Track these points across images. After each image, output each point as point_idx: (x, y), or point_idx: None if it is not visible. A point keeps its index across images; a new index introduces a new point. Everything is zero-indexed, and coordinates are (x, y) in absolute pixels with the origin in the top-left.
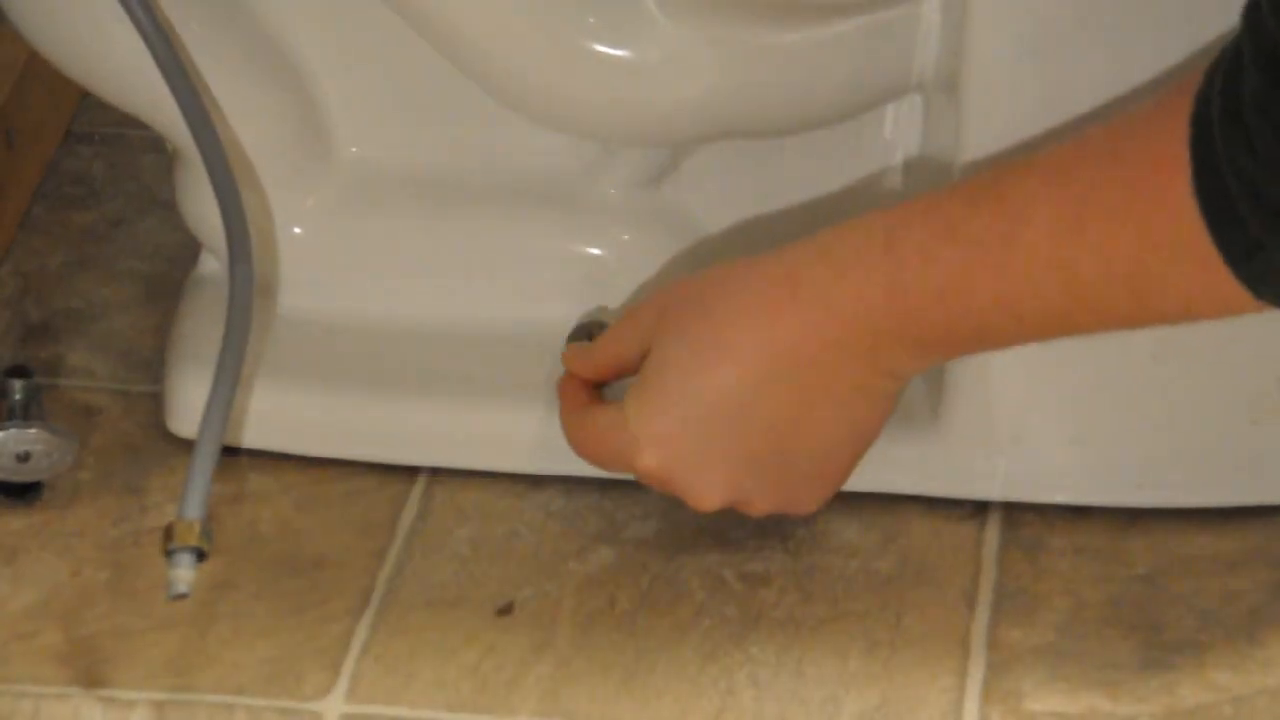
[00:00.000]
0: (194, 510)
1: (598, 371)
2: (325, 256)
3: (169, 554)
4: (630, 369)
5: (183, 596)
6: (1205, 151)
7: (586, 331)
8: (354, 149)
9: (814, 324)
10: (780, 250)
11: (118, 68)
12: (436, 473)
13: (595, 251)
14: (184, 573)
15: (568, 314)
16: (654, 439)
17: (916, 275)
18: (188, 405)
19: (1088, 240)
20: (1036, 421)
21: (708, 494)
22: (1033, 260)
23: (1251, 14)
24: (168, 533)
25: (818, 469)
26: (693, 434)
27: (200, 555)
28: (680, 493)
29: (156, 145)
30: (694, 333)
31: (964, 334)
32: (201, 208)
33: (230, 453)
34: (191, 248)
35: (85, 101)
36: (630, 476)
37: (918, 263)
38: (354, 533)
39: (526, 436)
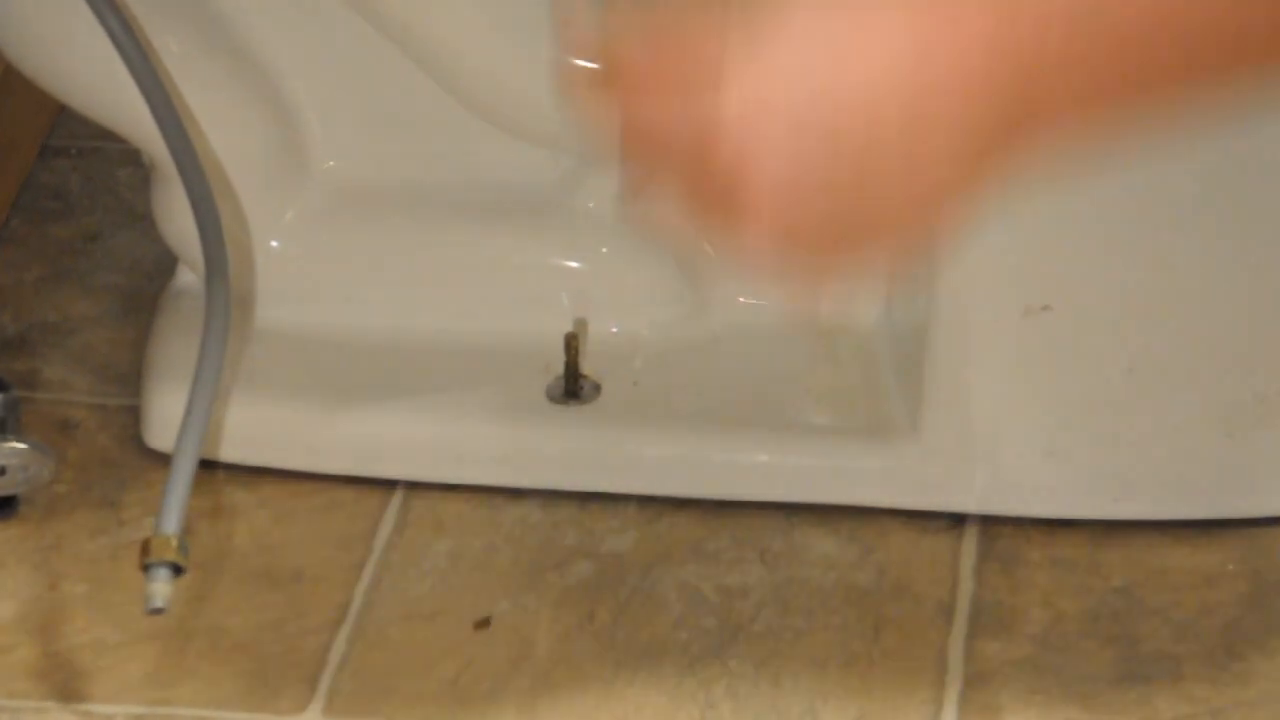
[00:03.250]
0: (171, 525)
1: None
2: (303, 270)
3: (146, 569)
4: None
5: (160, 611)
6: None
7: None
8: (331, 162)
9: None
10: None
11: (94, 82)
12: (414, 486)
13: (573, 264)
14: (161, 587)
15: (546, 327)
16: (746, 79)
17: None
18: (165, 419)
19: None
20: (1013, 435)
21: (773, 166)
22: None
23: None
24: (144, 548)
25: (886, 169)
26: (790, 76)
27: (177, 570)
28: (746, 163)
29: (133, 159)
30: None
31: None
32: (178, 222)
33: (207, 466)
34: (168, 261)
35: (62, 115)
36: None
37: None
38: (331, 546)
39: (504, 449)
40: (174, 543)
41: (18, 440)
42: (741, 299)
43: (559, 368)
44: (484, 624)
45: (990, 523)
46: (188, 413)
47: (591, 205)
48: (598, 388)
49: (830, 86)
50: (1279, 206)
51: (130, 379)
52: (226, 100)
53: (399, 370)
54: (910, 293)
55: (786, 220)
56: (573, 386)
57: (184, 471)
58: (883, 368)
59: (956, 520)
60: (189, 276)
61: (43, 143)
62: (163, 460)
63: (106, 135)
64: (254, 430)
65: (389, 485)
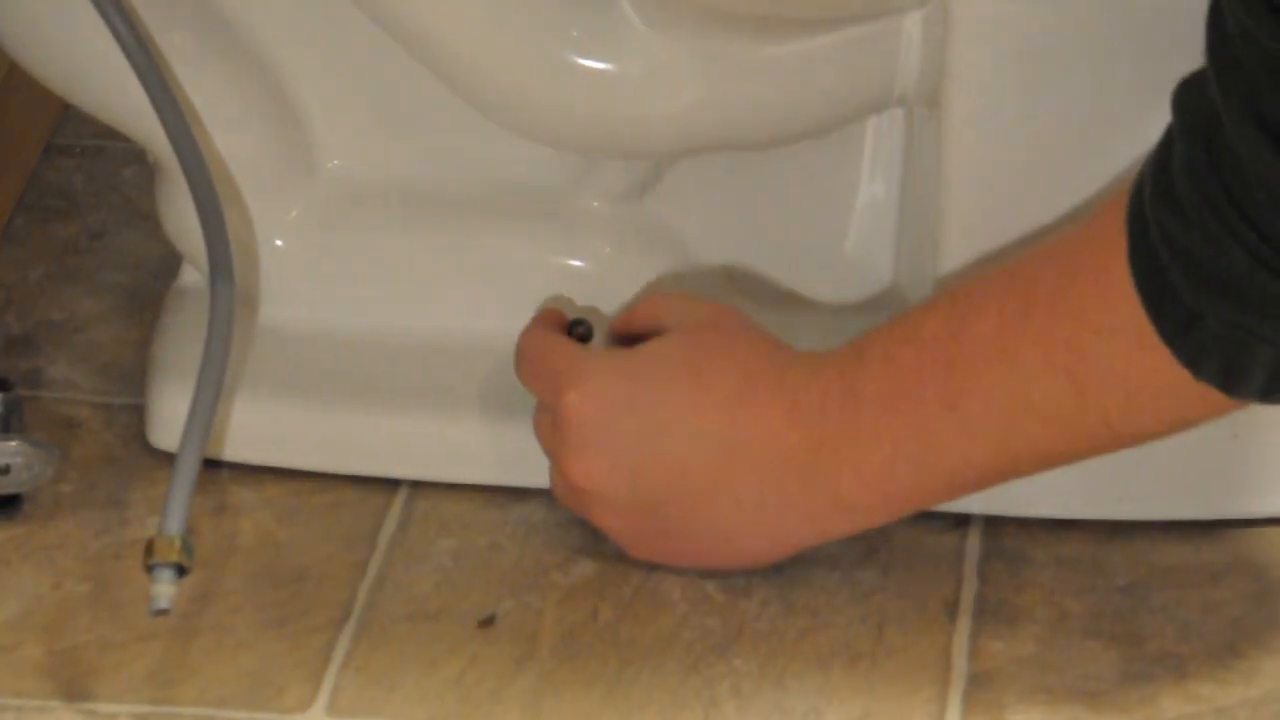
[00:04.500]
0: (175, 526)
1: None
2: (307, 269)
3: (150, 570)
4: (626, 332)
5: (164, 612)
6: (1138, 228)
7: (577, 331)
8: (336, 161)
9: (779, 411)
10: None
11: (99, 80)
12: (418, 485)
13: (577, 264)
14: (165, 588)
15: None
16: (591, 387)
17: (873, 377)
18: (169, 418)
19: (1030, 327)
20: None
21: (586, 465)
22: (978, 353)
23: (1179, 94)
24: (148, 548)
25: (670, 533)
26: (621, 408)
27: (181, 571)
28: (563, 448)
29: (138, 158)
30: (693, 356)
31: (906, 454)
32: (183, 220)
33: (211, 465)
34: (173, 260)
35: (66, 114)
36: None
37: (878, 366)
38: (335, 545)
39: (509, 449)
40: (178, 543)
41: (21, 439)
42: (741, 300)
43: None
44: (488, 622)
45: (994, 521)
46: (192, 412)
47: (595, 205)
48: None
49: (659, 407)
50: None
51: (134, 378)
52: (231, 99)
53: (403, 369)
54: (912, 291)
55: (587, 487)
56: None
57: (188, 471)
58: None
59: (961, 519)
60: (193, 275)
61: (47, 141)
62: (167, 459)
63: (111, 134)
64: (258, 429)
65: (393, 484)
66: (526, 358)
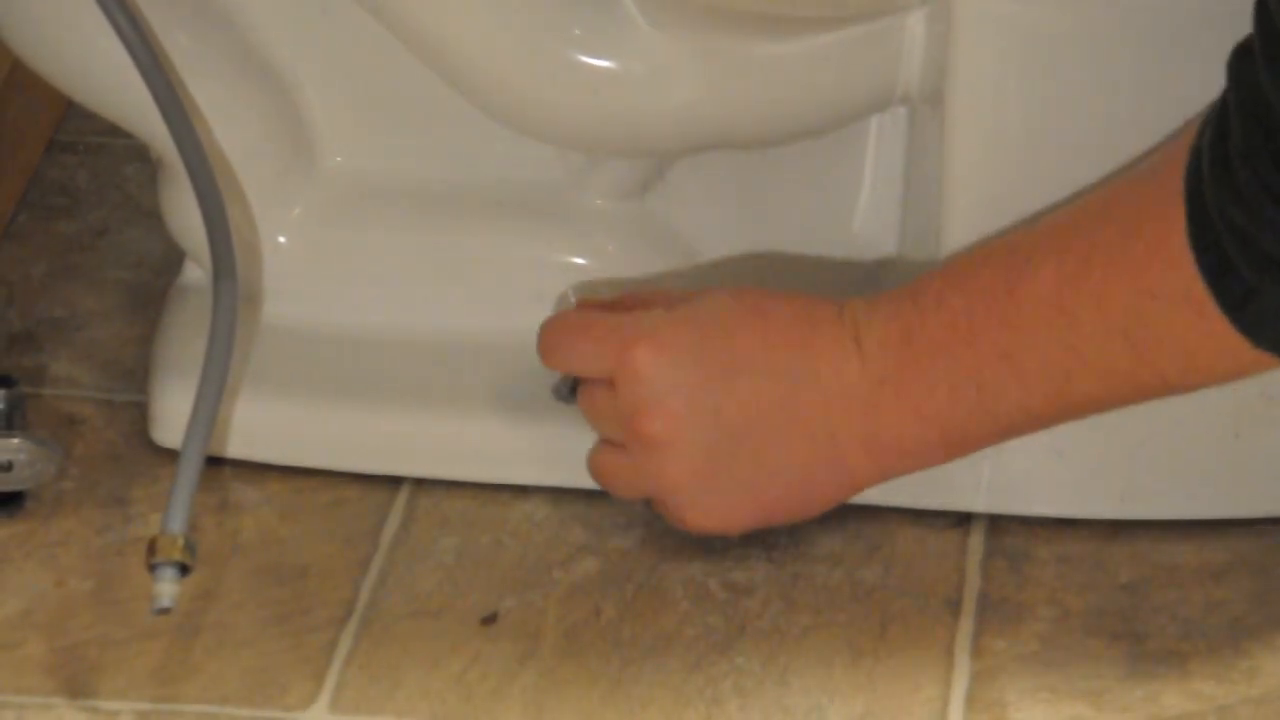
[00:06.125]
0: (177, 524)
1: (625, 300)
2: (310, 266)
3: (152, 569)
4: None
5: (166, 611)
6: (1197, 202)
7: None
8: (339, 159)
9: (845, 344)
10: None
11: (102, 77)
12: (420, 482)
13: (580, 261)
14: (168, 587)
15: None
16: (659, 340)
17: (928, 323)
18: (171, 415)
19: (1088, 288)
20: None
21: (665, 412)
22: (1036, 310)
23: (1235, 64)
24: (151, 547)
25: (746, 479)
26: (692, 354)
27: (183, 570)
28: (636, 405)
29: (141, 155)
30: (750, 299)
31: (964, 397)
32: (185, 217)
33: (214, 462)
34: (175, 257)
35: (70, 111)
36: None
37: (932, 313)
38: (338, 542)
39: (511, 446)
40: (180, 542)
41: (24, 436)
42: None
43: None
44: (490, 620)
45: (997, 519)
46: (195, 409)
47: (598, 203)
48: None
49: (717, 355)
50: None
51: (137, 375)
52: (234, 96)
53: (406, 366)
54: None
55: (655, 438)
56: (578, 383)
57: (190, 470)
58: None
59: (963, 517)
60: (196, 272)
61: (50, 138)
62: (169, 456)
63: (114, 131)
64: (260, 426)
65: (395, 482)
66: (572, 333)
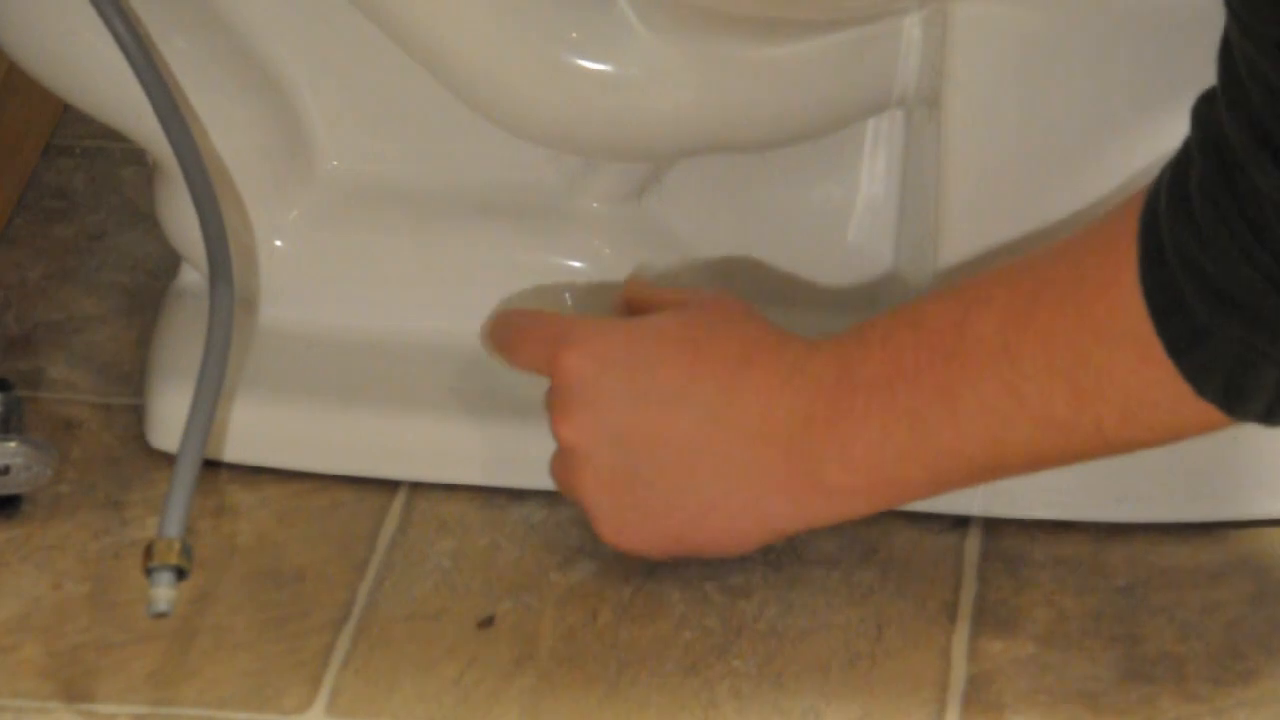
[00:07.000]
0: (174, 528)
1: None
2: (306, 269)
3: (149, 573)
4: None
5: (163, 615)
6: (1152, 240)
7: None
8: (335, 162)
9: (773, 382)
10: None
11: (98, 81)
12: (417, 486)
13: (576, 264)
14: (164, 591)
15: None
16: (589, 348)
17: (871, 359)
18: (168, 419)
19: (1035, 326)
20: None
21: (572, 422)
22: (979, 346)
23: (1199, 108)
24: (147, 551)
25: (656, 507)
26: (616, 368)
27: (180, 574)
28: (555, 408)
29: (137, 158)
30: (693, 329)
31: (894, 438)
32: (182, 221)
33: (211, 466)
34: (172, 260)
35: (66, 114)
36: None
37: (877, 348)
38: (334, 546)
39: (508, 450)
40: (177, 546)
41: (20, 439)
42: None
43: None
44: (487, 623)
45: (994, 522)
46: (191, 413)
47: (595, 206)
48: None
49: (651, 378)
50: None
51: (134, 378)
52: (230, 100)
53: (403, 370)
54: (912, 290)
55: (570, 447)
56: None
57: (187, 473)
58: None
59: (960, 520)
60: (193, 276)
61: (47, 142)
62: (166, 459)
63: (110, 135)
64: (257, 430)
65: (392, 485)
66: (516, 328)
